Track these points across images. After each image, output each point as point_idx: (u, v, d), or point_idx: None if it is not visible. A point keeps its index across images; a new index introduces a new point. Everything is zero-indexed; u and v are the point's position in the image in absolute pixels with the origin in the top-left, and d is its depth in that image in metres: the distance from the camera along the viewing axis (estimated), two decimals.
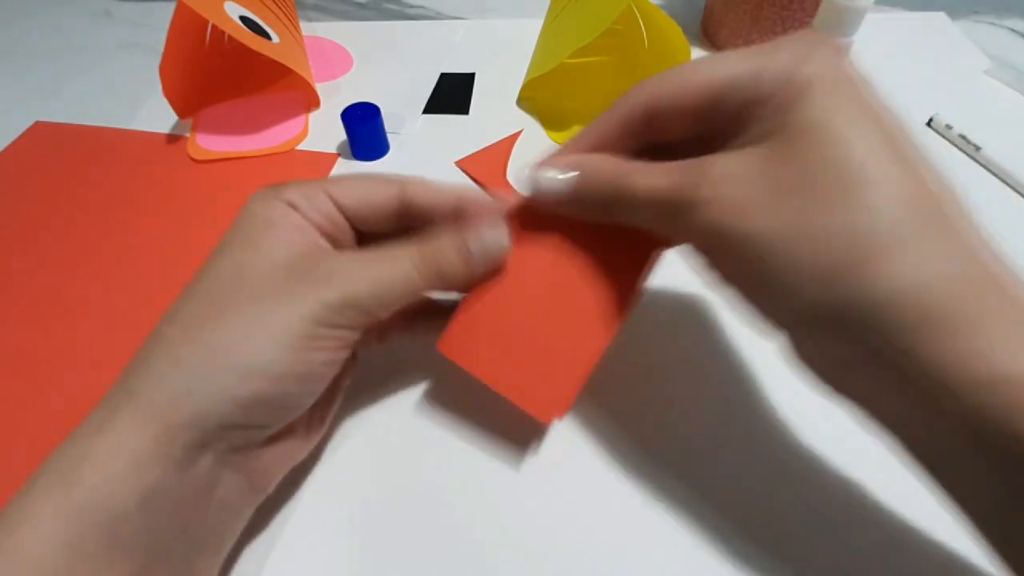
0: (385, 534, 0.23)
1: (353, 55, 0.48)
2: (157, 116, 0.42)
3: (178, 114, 0.41)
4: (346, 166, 0.39)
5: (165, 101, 0.39)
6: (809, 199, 0.16)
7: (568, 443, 0.26)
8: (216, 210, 0.36)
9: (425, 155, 0.39)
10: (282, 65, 0.38)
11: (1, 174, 0.39)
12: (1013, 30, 0.51)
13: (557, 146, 0.23)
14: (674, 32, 0.37)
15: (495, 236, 0.21)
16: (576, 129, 0.41)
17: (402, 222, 0.22)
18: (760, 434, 0.25)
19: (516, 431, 0.26)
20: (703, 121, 0.18)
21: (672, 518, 0.23)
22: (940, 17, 0.53)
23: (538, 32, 0.42)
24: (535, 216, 0.22)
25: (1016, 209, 0.36)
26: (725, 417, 0.26)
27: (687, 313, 0.30)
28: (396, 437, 0.26)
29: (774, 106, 0.17)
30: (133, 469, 0.16)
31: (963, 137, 0.39)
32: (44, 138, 0.42)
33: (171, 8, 0.36)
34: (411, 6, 0.56)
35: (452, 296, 0.24)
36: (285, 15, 0.44)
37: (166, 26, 0.37)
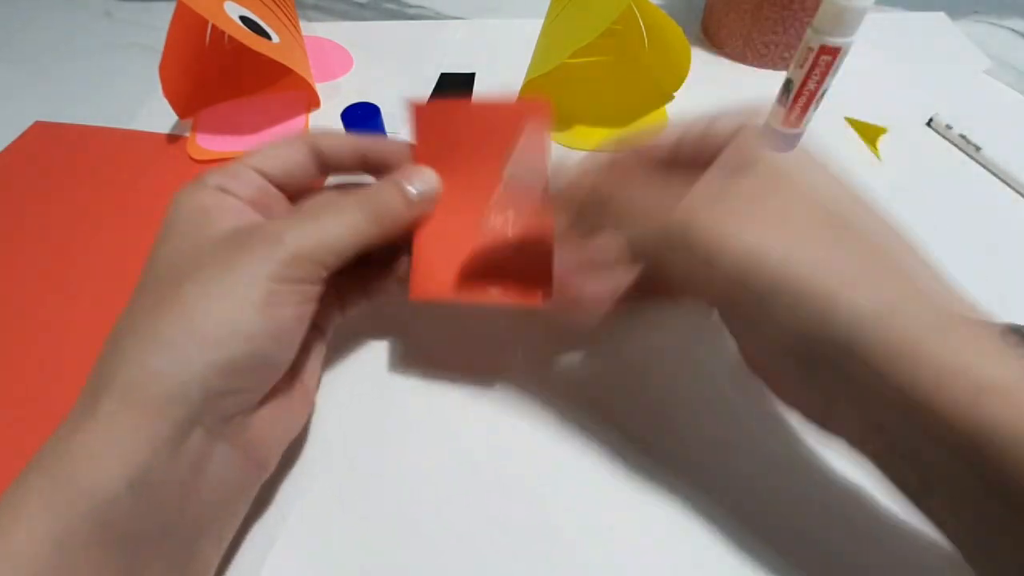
0: (387, 525, 0.23)
1: (353, 55, 0.48)
2: (157, 116, 0.42)
3: (178, 114, 0.41)
4: None
5: (165, 101, 0.39)
6: (780, 226, 0.18)
7: (570, 435, 0.26)
8: None
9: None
10: (282, 65, 0.38)
11: (1, 174, 0.39)
12: (1013, 30, 0.51)
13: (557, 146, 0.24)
14: (674, 32, 0.37)
15: (428, 177, 0.23)
16: (576, 129, 0.41)
17: (323, 173, 0.24)
18: (760, 435, 0.25)
19: (518, 418, 0.26)
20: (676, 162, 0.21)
21: (671, 517, 0.23)
22: (940, 17, 0.53)
23: (538, 32, 0.42)
24: (438, 142, 0.24)
25: (1016, 209, 0.36)
26: (725, 419, 0.26)
27: (684, 313, 0.30)
28: (395, 423, 0.26)
29: (733, 149, 0.19)
30: (120, 453, 0.16)
31: (963, 137, 0.39)
32: (44, 138, 0.42)
33: (171, 8, 0.36)
34: (411, 6, 0.56)
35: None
36: (285, 15, 0.44)
37: (166, 26, 0.37)
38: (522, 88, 0.42)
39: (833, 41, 0.33)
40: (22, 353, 0.29)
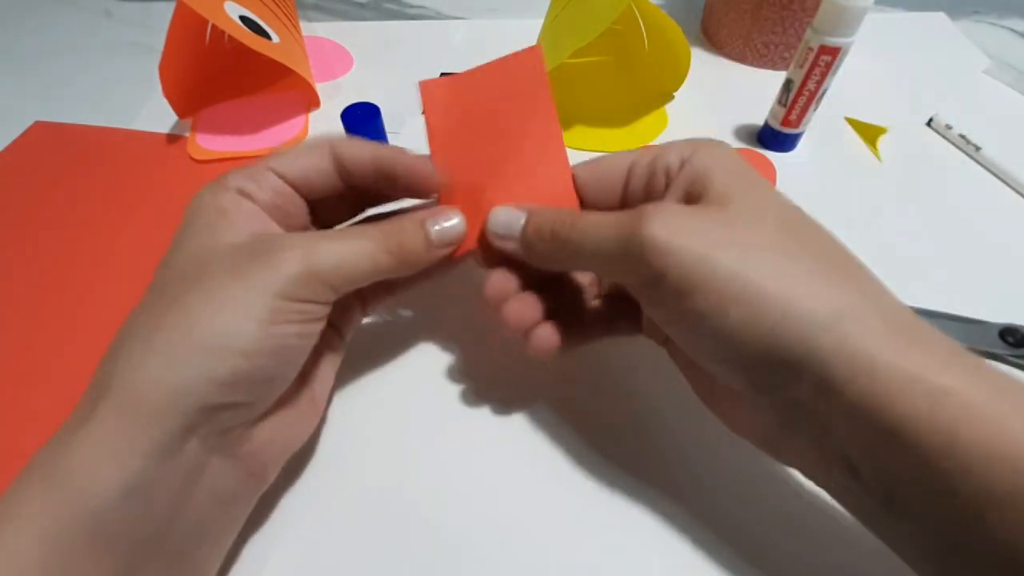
0: (389, 528, 0.23)
1: (353, 55, 0.48)
2: (157, 116, 0.42)
3: (178, 114, 0.41)
4: None
5: (165, 101, 0.39)
6: (731, 240, 0.18)
7: (571, 441, 0.26)
8: None
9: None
10: (282, 65, 0.38)
11: (1, 174, 0.39)
12: (1013, 30, 0.51)
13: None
14: (674, 32, 0.37)
15: (452, 220, 0.23)
16: (576, 129, 0.41)
17: (346, 186, 0.23)
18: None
19: (523, 418, 0.26)
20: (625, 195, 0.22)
21: (669, 521, 0.23)
22: (940, 17, 0.53)
23: (538, 32, 0.42)
24: (449, 115, 0.24)
25: (1016, 209, 0.36)
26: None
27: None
28: (400, 430, 0.26)
29: (684, 175, 0.20)
30: (114, 460, 0.16)
31: (963, 137, 0.39)
32: (44, 138, 0.42)
33: (171, 8, 0.36)
34: (411, 6, 0.56)
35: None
36: (285, 15, 0.44)
37: (166, 26, 0.37)
38: None
39: (833, 41, 0.33)
40: (22, 353, 0.29)
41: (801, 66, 0.35)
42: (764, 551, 0.22)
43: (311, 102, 0.43)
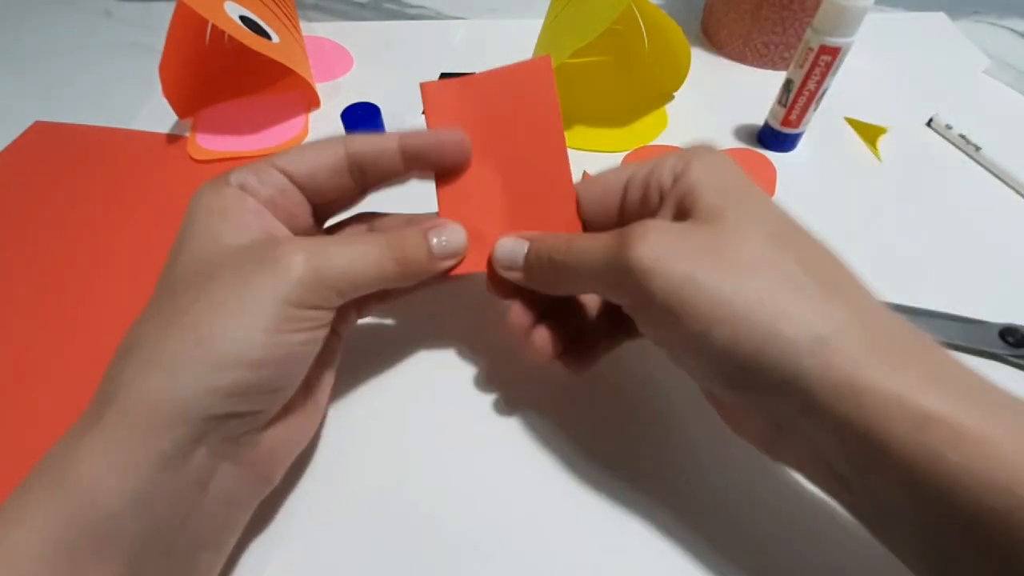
0: (390, 529, 0.23)
1: (353, 55, 0.48)
2: (157, 116, 0.42)
3: (178, 114, 0.41)
4: None
5: (165, 101, 0.39)
6: (716, 259, 0.18)
7: (571, 440, 0.26)
8: None
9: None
10: (282, 65, 0.38)
11: (1, 174, 0.39)
12: (1013, 30, 0.51)
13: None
14: (674, 32, 0.37)
15: (455, 233, 0.23)
16: (576, 129, 0.41)
17: (356, 185, 0.23)
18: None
19: (523, 419, 0.26)
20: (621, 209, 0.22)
21: (670, 521, 0.23)
22: (940, 17, 0.53)
23: (538, 32, 0.42)
24: (451, 119, 0.24)
25: (1016, 209, 0.36)
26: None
27: None
28: (400, 430, 0.26)
29: (676, 191, 0.20)
30: (120, 470, 0.16)
31: (963, 137, 0.39)
32: (44, 138, 0.42)
33: (171, 8, 0.36)
34: (411, 6, 0.56)
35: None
36: (285, 15, 0.44)
37: (166, 26, 0.37)
38: None
39: (833, 41, 0.33)
40: (22, 353, 0.29)
41: (801, 66, 0.35)
42: (767, 550, 0.22)
43: (311, 102, 0.43)
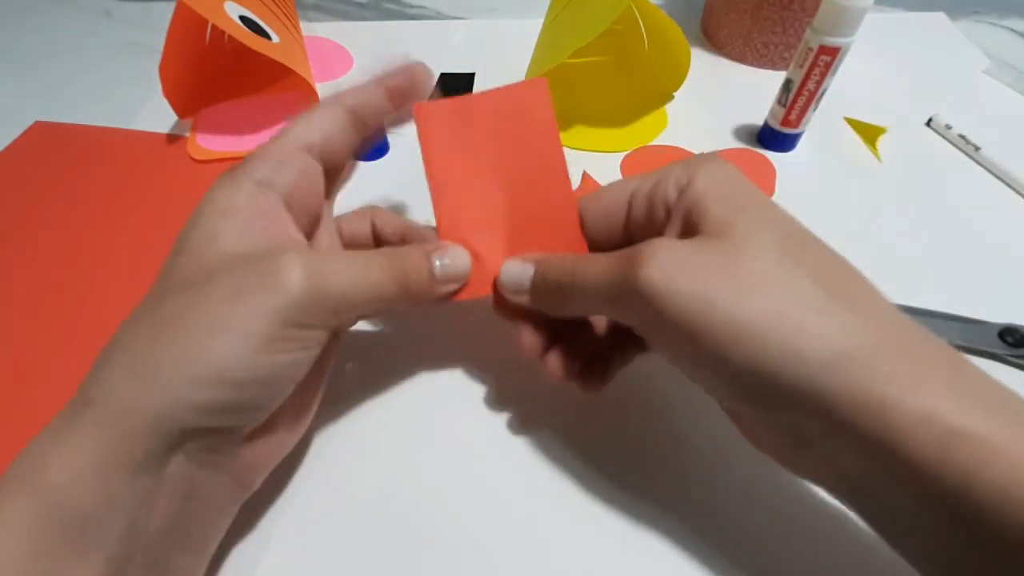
0: (379, 530, 0.23)
1: (353, 55, 0.48)
2: (157, 116, 0.42)
3: (178, 114, 0.41)
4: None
5: (165, 101, 0.39)
6: (729, 277, 0.17)
7: (572, 441, 0.26)
8: None
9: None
10: (282, 65, 0.38)
11: (1, 174, 0.39)
12: (1013, 30, 0.51)
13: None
14: (674, 32, 0.37)
15: (458, 256, 0.22)
16: (576, 129, 0.41)
17: (358, 137, 0.23)
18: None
19: (514, 423, 0.26)
20: (625, 226, 0.22)
21: (672, 524, 0.23)
22: (940, 17, 0.53)
23: (538, 32, 0.42)
24: (445, 140, 0.24)
25: (1016, 209, 0.36)
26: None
27: None
28: (388, 430, 0.26)
29: (682, 204, 0.20)
30: (94, 473, 0.16)
31: (963, 137, 0.40)
32: (44, 138, 0.42)
33: (171, 8, 0.36)
34: (411, 6, 0.56)
35: None
36: (285, 15, 0.44)
37: (166, 26, 0.37)
38: None
39: (833, 41, 0.33)
40: (22, 353, 0.29)
41: (801, 66, 0.35)
42: (776, 556, 0.22)
43: (311, 102, 0.43)
